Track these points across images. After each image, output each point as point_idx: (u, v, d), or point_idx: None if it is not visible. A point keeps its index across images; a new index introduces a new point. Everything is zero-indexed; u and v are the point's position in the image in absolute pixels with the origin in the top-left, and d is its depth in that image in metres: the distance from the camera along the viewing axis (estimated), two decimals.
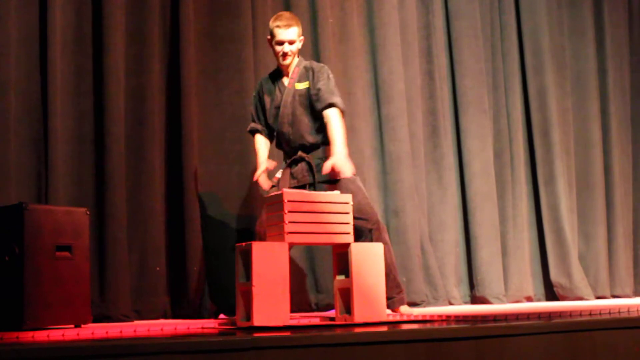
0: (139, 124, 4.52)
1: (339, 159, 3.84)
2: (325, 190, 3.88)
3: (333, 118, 3.96)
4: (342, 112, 4.01)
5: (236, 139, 4.80)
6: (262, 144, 4.24)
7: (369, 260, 3.51)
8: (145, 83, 4.56)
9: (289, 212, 3.41)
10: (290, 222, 3.40)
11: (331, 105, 3.98)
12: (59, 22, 4.31)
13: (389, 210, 5.34)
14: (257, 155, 4.19)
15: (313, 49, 5.16)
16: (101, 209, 4.33)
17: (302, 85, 4.09)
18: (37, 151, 4.24)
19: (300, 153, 4.06)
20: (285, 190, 3.48)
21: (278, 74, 4.20)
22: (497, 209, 5.83)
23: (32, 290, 3.30)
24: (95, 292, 4.15)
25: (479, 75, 5.89)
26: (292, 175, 4.05)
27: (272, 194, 3.60)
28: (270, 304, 3.28)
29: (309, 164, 4.02)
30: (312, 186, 3.97)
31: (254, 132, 4.26)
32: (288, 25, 4.07)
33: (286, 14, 4.21)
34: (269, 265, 3.30)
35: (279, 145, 4.23)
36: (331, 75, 4.08)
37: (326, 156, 4.03)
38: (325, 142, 4.07)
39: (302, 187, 3.97)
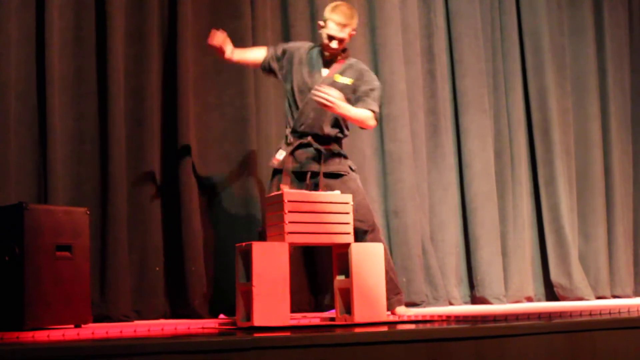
0: (139, 124, 4.51)
1: (339, 95, 3.81)
2: (324, 185, 3.88)
3: (365, 110, 3.98)
4: (376, 120, 4.05)
5: (237, 140, 4.79)
6: (252, 53, 4.27)
7: (369, 260, 3.51)
8: (144, 83, 4.55)
9: (289, 212, 3.41)
10: (290, 222, 3.40)
11: (370, 110, 3.99)
12: (57, 23, 4.31)
13: (389, 211, 5.32)
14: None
15: None
16: (101, 209, 4.32)
17: (345, 80, 4.03)
18: (37, 151, 4.24)
19: (310, 139, 4.00)
20: (286, 190, 3.48)
21: (320, 56, 4.11)
22: (498, 209, 5.82)
23: (32, 290, 3.30)
24: (95, 292, 4.14)
25: (479, 75, 5.88)
26: (295, 158, 4.02)
27: (273, 194, 3.60)
28: (271, 304, 3.28)
29: (319, 152, 3.99)
30: (316, 175, 3.94)
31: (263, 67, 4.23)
32: (344, 25, 3.98)
33: (345, 9, 4.03)
34: (269, 265, 3.30)
35: (292, 126, 4.11)
36: (378, 83, 4.13)
37: (335, 151, 4.03)
38: (337, 137, 4.06)
39: (304, 173, 3.96)
